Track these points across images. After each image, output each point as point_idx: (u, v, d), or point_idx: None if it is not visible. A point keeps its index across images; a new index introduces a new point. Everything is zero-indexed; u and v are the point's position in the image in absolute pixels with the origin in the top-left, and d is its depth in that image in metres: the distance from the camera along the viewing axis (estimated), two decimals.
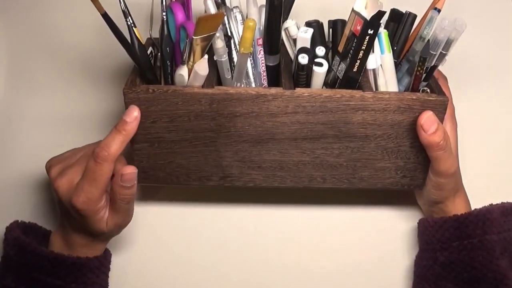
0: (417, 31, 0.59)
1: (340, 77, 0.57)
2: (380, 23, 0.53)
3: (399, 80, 0.61)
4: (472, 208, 0.62)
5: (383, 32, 0.57)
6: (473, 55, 0.71)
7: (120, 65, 0.70)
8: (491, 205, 0.62)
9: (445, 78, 0.64)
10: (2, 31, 0.71)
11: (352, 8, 0.55)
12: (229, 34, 0.58)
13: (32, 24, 0.71)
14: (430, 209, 0.63)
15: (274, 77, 0.61)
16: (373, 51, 0.56)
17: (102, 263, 0.60)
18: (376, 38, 0.55)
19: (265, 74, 0.61)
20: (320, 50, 0.56)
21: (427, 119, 0.55)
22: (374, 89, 0.57)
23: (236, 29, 0.59)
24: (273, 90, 0.55)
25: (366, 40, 0.53)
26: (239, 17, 0.58)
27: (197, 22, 0.51)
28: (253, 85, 0.60)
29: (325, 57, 0.56)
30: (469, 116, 0.68)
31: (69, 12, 0.71)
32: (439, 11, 0.56)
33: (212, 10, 0.58)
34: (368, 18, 0.52)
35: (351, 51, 0.55)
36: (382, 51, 0.57)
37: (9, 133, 0.70)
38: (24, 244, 0.57)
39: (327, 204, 0.69)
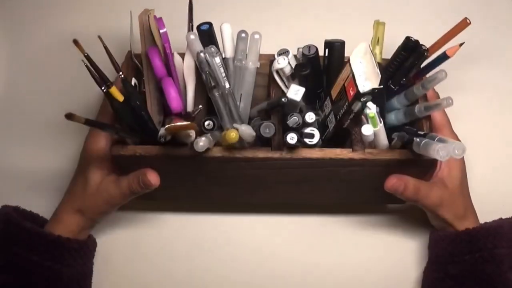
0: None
1: (330, 127, 0.58)
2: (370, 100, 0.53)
3: (394, 112, 0.60)
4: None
5: (370, 112, 0.54)
6: None
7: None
8: (501, 219, 0.62)
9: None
10: None
11: (348, 59, 0.53)
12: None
13: None
14: (441, 225, 0.63)
15: None
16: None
17: (82, 248, 0.61)
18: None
19: None
20: (310, 117, 0.55)
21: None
22: (363, 146, 0.56)
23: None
24: (265, 154, 0.56)
25: (354, 112, 0.54)
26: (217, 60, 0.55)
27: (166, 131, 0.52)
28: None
29: (317, 121, 0.55)
30: (474, 129, 0.69)
31: None
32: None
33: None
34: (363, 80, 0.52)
35: (341, 112, 0.55)
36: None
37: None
38: (11, 218, 0.59)
39: (330, 213, 0.69)
